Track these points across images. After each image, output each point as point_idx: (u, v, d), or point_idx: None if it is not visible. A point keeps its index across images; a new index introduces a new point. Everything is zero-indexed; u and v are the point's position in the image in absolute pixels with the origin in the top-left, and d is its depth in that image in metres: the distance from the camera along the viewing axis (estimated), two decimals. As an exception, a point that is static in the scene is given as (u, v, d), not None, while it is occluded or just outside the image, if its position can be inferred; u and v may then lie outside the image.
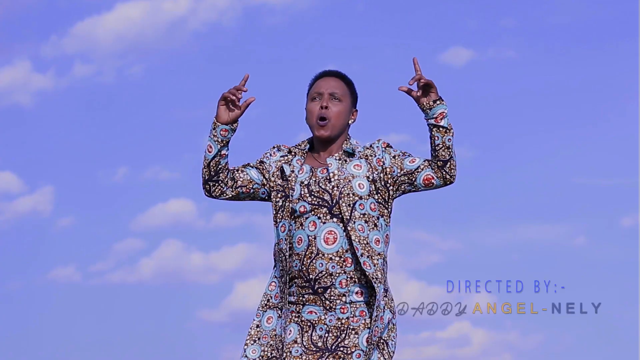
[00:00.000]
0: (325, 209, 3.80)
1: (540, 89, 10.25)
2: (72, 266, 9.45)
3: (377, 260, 3.77)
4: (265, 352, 3.81)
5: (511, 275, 6.97)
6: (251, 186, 3.91)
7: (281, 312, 3.81)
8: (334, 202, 3.79)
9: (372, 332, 3.70)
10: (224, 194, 3.90)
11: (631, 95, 9.31)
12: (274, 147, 3.99)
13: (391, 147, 3.93)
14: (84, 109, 10.03)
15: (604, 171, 9.66)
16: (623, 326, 8.10)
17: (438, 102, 3.77)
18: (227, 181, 3.86)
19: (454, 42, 9.98)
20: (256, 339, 3.84)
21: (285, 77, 9.62)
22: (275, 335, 3.82)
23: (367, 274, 3.72)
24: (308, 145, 3.97)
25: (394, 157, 3.89)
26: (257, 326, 3.85)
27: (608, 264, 8.96)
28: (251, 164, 3.93)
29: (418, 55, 3.81)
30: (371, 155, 3.88)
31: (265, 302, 3.86)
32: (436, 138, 3.78)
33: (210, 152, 3.80)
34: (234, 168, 3.91)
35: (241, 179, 3.89)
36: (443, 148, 3.79)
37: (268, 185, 3.90)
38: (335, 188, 3.80)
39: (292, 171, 3.87)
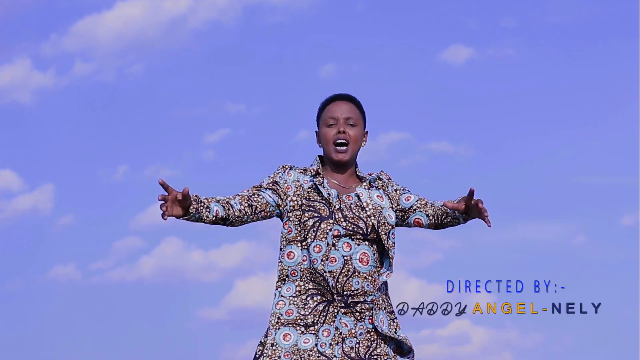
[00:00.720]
0: (360, 235, 3.96)
1: (540, 88, 10.26)
2: (72, 264, 9.45)
3: (383, 285, 4.00)
4: None
5: (511, 275, 6.96)
6: (268, 209, 3.98)
7: (309, 328, 3.90)
8: (369, 230, 3.96)
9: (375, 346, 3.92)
10: (247, 223, 3.97)
11: (631, 95, 9.31)
12: (284, 167, 4.06)
13: (392, 180, 4.15)
14: (84, 107, 10.03)
15: (604, 170, 9.66)
16: (623, 326, 8.11)
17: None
18: (243, 215, 3.92)
19: (454, 41, 9.98)
20: (276, 358, 3.87)
21: (285, 76, 9.62)
22: (297, 349, 3.87)
23: (366, 292, 3.93)
24: (320, 167, 4.08)
25: (395, 190, 4.10)
26: (272, 345, 3.89)
27: (608, 264, 8.95)
28: (264, 186, 4.01)
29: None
30: (384, 186, 4.09)
31: (276, 320, 3.91)
32: (451, 222, 4.03)
33: (202, 221, 3.82)
34: (249, 195, 3.96)
35: (259, 205, 3.96)
36: (450, 225, 4.05)
37: (283, 206, 3.99)
38: (372, 217, 3.96)
39: (329, 194, 3.98)
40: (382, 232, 3.95)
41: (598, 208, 9.41)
